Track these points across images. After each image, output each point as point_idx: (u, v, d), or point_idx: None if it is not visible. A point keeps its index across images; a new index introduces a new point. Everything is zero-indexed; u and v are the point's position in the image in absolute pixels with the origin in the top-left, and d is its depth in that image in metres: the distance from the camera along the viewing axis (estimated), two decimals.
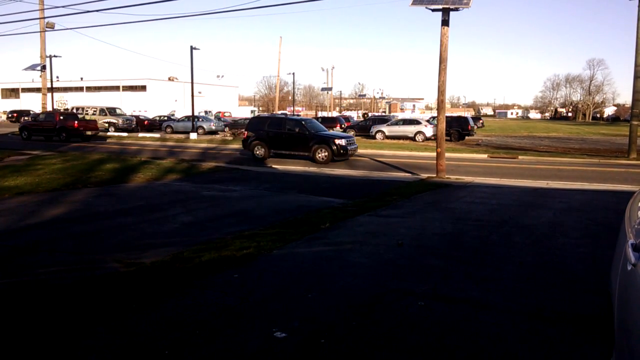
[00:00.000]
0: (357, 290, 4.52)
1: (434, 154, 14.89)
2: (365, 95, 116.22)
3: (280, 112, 56.78)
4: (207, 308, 4.00)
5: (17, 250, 5.91)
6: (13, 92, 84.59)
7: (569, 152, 24.53)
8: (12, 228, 7.10)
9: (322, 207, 8.96)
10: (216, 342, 3.41)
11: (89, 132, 28.45)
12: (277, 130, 19.24)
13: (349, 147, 18.38)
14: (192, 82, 34.17)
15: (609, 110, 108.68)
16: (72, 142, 26.49)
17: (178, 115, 52.03)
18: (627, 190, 11.02)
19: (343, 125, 40.02)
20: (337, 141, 18.20)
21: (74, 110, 41.54)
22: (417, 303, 4.18)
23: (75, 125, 27.79)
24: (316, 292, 4.44)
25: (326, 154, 18.13)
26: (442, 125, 14.28)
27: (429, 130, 32.01)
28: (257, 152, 19.23)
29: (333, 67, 73.57)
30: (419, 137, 32.17)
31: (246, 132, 20.01)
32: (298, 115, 65.98)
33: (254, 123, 20.68)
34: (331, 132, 21.26)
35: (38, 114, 32.22)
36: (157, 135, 36.10)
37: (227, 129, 40.30)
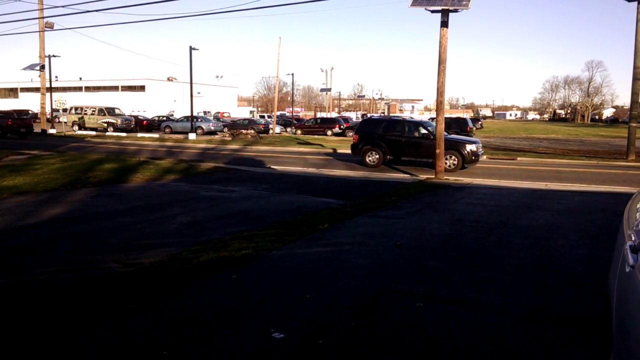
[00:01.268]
0: (355, 291, 4.52)
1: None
2: (364, 96, 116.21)
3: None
4: (206, 308, 4.00)
5: (16, 250, 5.90)
6: (12, 92, 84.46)
7: (568, 154, 24.57)
8: (10, 228, 7.08)
9: (320, 208, 8.96)
10: (214, 342, 3.41)
11: (22, 130, 30.61)
12: (394, 134, 17.38)
13: (479, 153, 16.84)
14: (191, 83, 34.16)
15: (607, 112, 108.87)
16: (7, 139, 28.70)
17: (177, 116, 52.01)
18: (625, 192, 11.04)
19: (342, 126, 40.06)
20: (468, 147, 16.47)
21: (73, 110, 41.56)
22: (415, 304, 4.18)
23: (9, 123, 30.49)
24: (315, 293, 4.44)
25: (455, 161, 16.32)
26: (441, 127, 14.29)
27: None
28: (370, 159, 17.44)
29: (332, 68, 73.67)
30: None
31: (356, 136, 18.22)
32: (297, 115, 66.06)
33: (365, 126, 18.75)
34: (455, 136, 19.36)
35: None
36: (155, 135, 36.11)
37: (226, 129, 40.30)
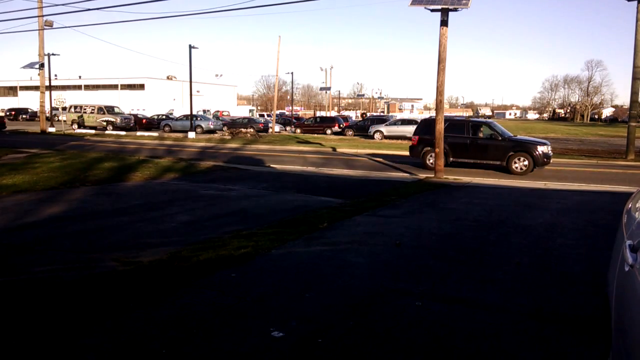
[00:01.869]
0: (354, 290, 4.52)
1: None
2: (363, 95, 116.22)
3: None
4: (205, 307, 4.00)
5: (15, 248, 5.90)
6: (11, 90, 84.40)
7: (567, 153, 24.58)
8: (9, 226, 7.08)
9: (320, 206, 8.96)
10: (214, 341, 3.41)
11: None
12: (458, 135, 16.67)
13: (550, 154, 16.07)
14: (190, 81, 34.13)
15: (607, 111, 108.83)
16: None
17: (176, 114, 51.95)
18: (625, 191, 11.05)
19: (341, 125, 40.07)
20: (540, 148, 15.73)
21: (72, 109, 41.52)
22: (414, 303, 4.18)
23: None
24: (314, 291, 4.44)
25: (526, 163, 15.61)
26: (441, 126, 14.28)
27: None
28: (431, 161, 16.36)
29: (332, 67, 73.66)
30: None
31: (416, 137, 17.47)
32: (297, 114, 66.06)
33: (427, 126, 17.54)
34: (524, 137, 18.46)
35: None
36: (155, 134, 36.09)
37: (225, 128, 40.29)
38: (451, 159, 16.65)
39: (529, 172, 15.57)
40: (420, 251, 5.93)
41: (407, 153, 23.32)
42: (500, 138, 16.21)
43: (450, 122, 17.28)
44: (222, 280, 4.68)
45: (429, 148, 16.61)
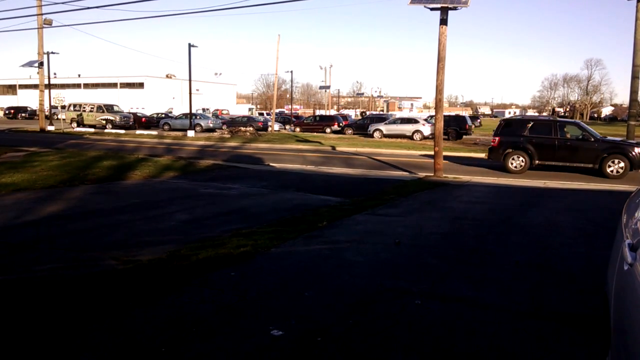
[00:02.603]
0: (354, 288, 4.52)
1: (432, 152, 14.89)
2: (363, 93, 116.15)
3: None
4: (204, 306, 4.00)
5: (14, 247, 5.90)
6: (10, 89, 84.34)
7: None
8: (9, 225, 7.08)
9: (319, 205, 8.96)
10: (213, 339, 3.41)
11: None
12: (545, 137, 15.82)
13: None
14: (189, 80, 34.12)
15: (606, 110, 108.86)
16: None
17: (176, 113, 51.94)
18: (624, 191, 11.05)
19: (341, 124, 40.07)
20: (637, 149, 14.96)
21: (71, 107, 41.49)
22: (414, 302, 4.18)
23: None
24: (313, 290, 4.45)
25: (622, 165, 14.83)
26: (440, 124, 14.29)
27: (426, 129, 32.06)
28: (514, 164, 15.95)
29: (331, 66, 73.45)
30: (417, 136, 32.22)
31: (496, 139, 16.47)
32: (296, 113, 66.00)
33: (508, 127, 16.87)
34: (615, 138, 17.68)
35: None
36: (154, 132, 36.08)
37: (224, 126, 40.29)
38: (536, 161, 15.86)
39: (626, 175, 14.79)
40: (419, 250, 5.94)
41: (406, 151, 23.41)
42: (592, 139, 15.41)
43: (535, 122, 16.62)
44: (221, 279, 4.68)
45: (511, 150, 15.98)
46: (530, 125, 16.36)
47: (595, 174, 15.21)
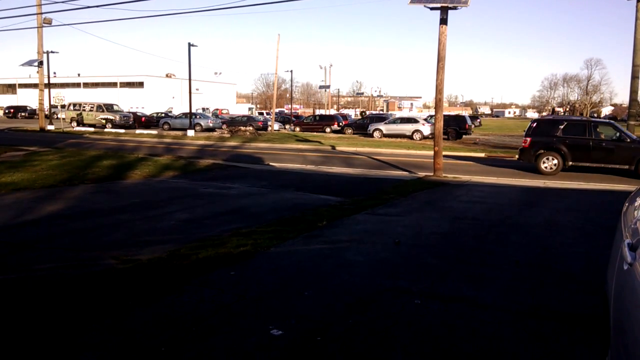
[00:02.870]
0: (353, 288, 4.52)
1: (431, 152, 14.88)
2: (363, 93, 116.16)
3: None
4: (204, 305, 4.00)
5: (14, 246, 5.90)
6: (10, 88, 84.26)
7: None
8: (9, 224, 7.07)
9: (319, 205, 8.95)
10: (213, 339, 3.41)
11: None
12: (579, 137, 15.46)
13: None
14: (189, 79, 34.10)
15: (606, 110, 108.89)
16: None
17: (175, 112, 51.94)
18: (623, 190, 11.06)
19: (340, 124, 40.07)
20: None
21: (71, 107, 41.47)
22: (413, 301, 4.18)
23: None
24: (313, 290, 4.45)
25: None
26: (440, 124, 14.28)
27: (426, 129, 32.05)
28: (546, 165, 15.63)
29: (331, 65, 73.42)
30: (417, 136, 32.22)
31: (527, 139, 16.08)
32: (296, 112, 65.99)
33: (539, 127, 16.38)
34: None
35: None
36: (154, 132, 36.06)
37: (224, 126, 40.28)
38: (570, 162, 15.55)
39: None
40: (419, 250, 5.94)
41: (405, 151, 23.40)
42: (628, 140, 15.09)
43: (569, 123, 16.28)
44: (221, 278, 4.68)
45: (543, 151, 15.67)
46: (563, 125, 16.00)
47: (630, 175, 14.81)
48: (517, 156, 17.05)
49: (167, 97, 74.20)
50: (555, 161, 15.63)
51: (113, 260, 5.28)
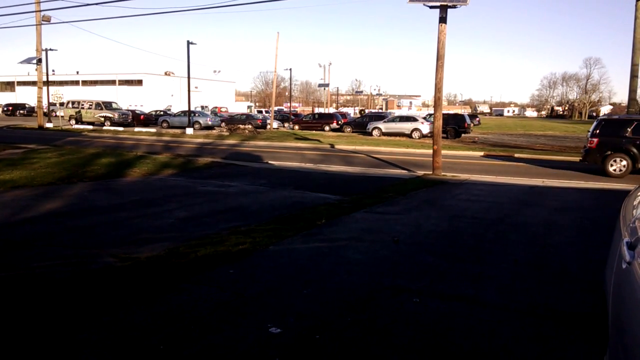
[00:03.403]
0: (352, 286, 4.52)
1: (430, 151, 14.89)
2: (362, 91, 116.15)
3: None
4: (203, 303, 4.00)
5: (12, 244, 5.89)
6: (9, 86, 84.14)
7: (565, 150, 24.60)
8: (7, 222, 7.06)
9: (318, 203, 8.96)
10: (211, 337, 3.41)
11: None
12: None
13: None
14: (188, 77, 34.04)
15: (605, 109, 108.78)
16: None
17: (174, 110, 51.89)
18: (622, 189, 11.07)
19: (340, 122, 40.07)
20: None
21: (70, 104, 41.41)
22: (412, 300, 4.19)
23: None
24: (312, 288, 4.45)
25: None
26: (439, 123, 14.29)
27: (425, 128, 32.05)
28: (614, 167, 14.96)
29: (330, 64, 73.59)
30: (416, 134, 32.22)
31: (594, 140, 15.27)
32: (295, 110, 65.93)
33: (607, 128, 15.48)
34: None
35: None
36: (153, 130, 36.00)
37: (223, 124, 40.25)
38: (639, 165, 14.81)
39: None
40: (418, 248, 5.94)
41: (404, 150, 23.40)
42: None
43: (639, 123, 15.22)
44: (220, 276, 4.68)
45: (611, 152, 14.94)
46: (633, 125, 15.04)
47: None
48: (580, 158, 16.27)
49: (166, 95, 74.10)
50: (625, 163, 14.94)
51: (112, 258, 5.28)
